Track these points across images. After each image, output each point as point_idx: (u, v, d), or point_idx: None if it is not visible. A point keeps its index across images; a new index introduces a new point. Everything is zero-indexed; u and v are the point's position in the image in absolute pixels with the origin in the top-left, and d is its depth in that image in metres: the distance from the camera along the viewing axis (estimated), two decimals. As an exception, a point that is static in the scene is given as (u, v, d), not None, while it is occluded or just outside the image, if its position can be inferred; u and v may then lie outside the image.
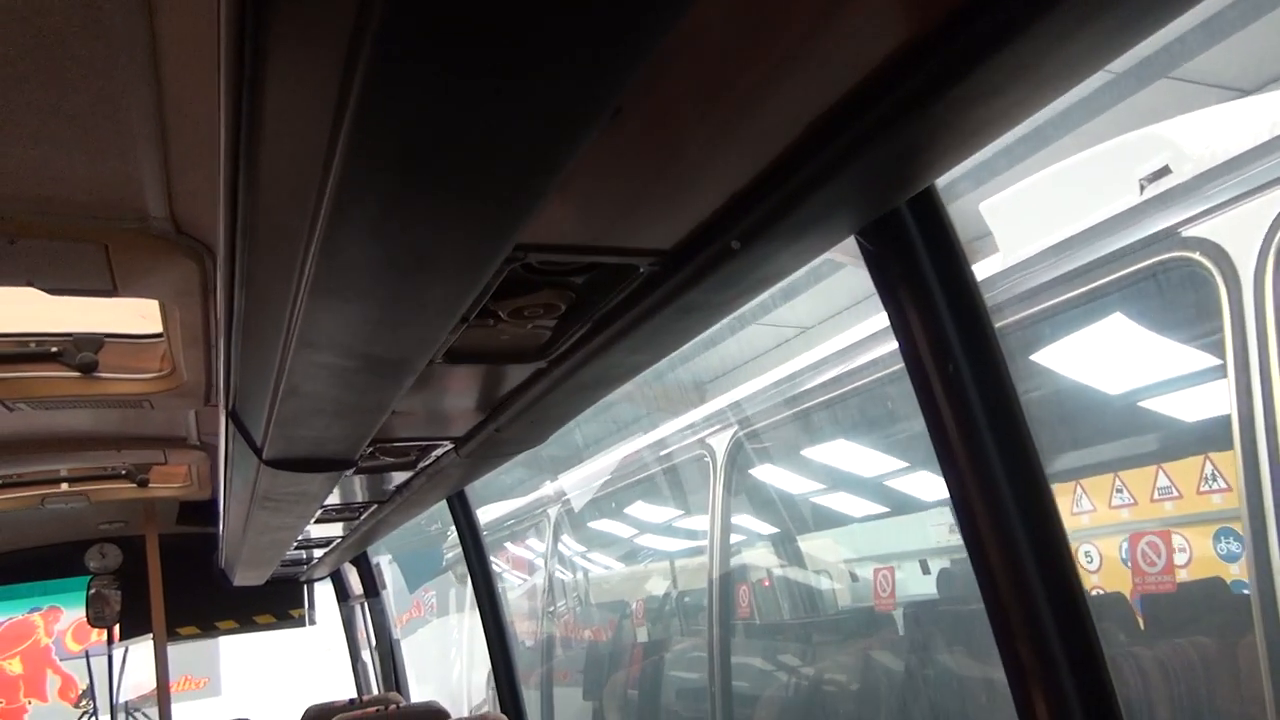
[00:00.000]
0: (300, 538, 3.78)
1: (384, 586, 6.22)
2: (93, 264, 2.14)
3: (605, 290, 1.46)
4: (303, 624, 6.60)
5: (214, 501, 5.50)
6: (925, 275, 1.29)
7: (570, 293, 1.42)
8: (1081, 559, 4.12)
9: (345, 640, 6.88)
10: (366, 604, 6.26)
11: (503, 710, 3.77)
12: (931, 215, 1.31)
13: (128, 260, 2.16)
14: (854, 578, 4.58)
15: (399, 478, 2.74)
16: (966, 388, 1.28)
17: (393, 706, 3.90)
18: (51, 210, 1.93)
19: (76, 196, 1.92)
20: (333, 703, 5.19)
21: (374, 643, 6.44)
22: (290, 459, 1.78)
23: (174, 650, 6.88)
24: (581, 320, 1.48)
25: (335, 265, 1.04)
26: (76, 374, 3.20)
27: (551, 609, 6.59)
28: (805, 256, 1.35)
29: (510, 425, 1.98)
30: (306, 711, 4.49)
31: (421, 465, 2.48)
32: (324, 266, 1.04)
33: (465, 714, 3.93)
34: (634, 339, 1.49)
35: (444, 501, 4.43)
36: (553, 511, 6.60)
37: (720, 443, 4.26)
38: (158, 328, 3.26)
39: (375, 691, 6.52)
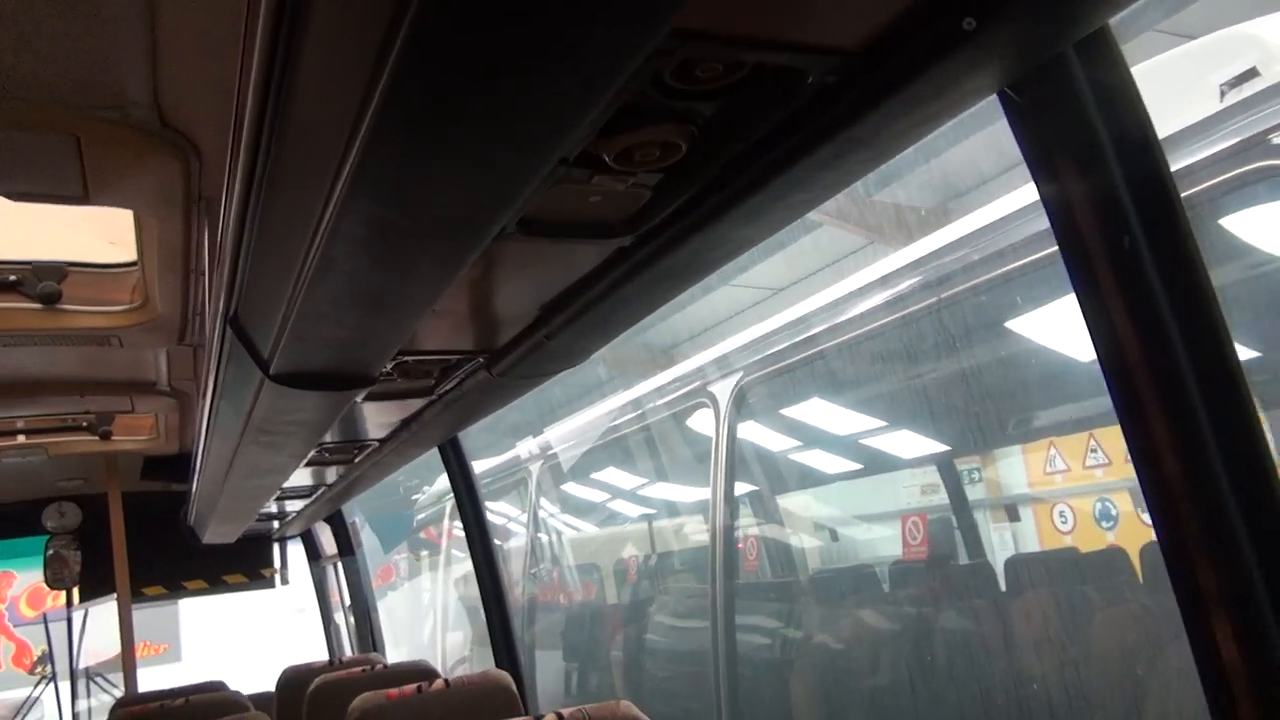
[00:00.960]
0: (282, 485, 3.53)
1: (359, 545, 5.99)
2: (62, 160, 1.89)
3: (749, 115, 1.17)
4: (274, 584, 6.35)
5: (181, 456, 5.23)
6: (1095, 133, 1.09)
7: (693, 128, 1.18)
8: None
9: (316, 601, 6.65)
10: (341, 563, 6.03)
11: (498, 667, 3.57)
12: (1105, 61, 1.10)
13: (101, 158, 1.90)
14: (876, 529, 4.41)
15: (405, 409, 2.49)
16: (1144, 266, 1.08)
17: (379, 666, 3.69)
18: (15, 90, 1.68)
19: (44, 75, 1.67)
20: (310, 664, 4.96)
21: (348, 603, 6.21)
22: (302, 373, 1.54)
23: (133, 614, 6.62)
24: (702, 169, 1.23)
25: (401, 94, 0.81)
26: (37, 306, 2.92)
27: (534, 571, 6.38)
28: (967, 103, 1.09)
29: (565, 330, 1.72)
30: (283, 673, 4.27)
31: (440, 390, 2.23)
32: (389, 96, 0.81)
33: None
34: (779, 188, 1.24)
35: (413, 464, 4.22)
36: (534, 468, 6.38)
37: (724, 390, 4.06)
38: (130, 255, 3.00)
39: (349, 654, 6.30)
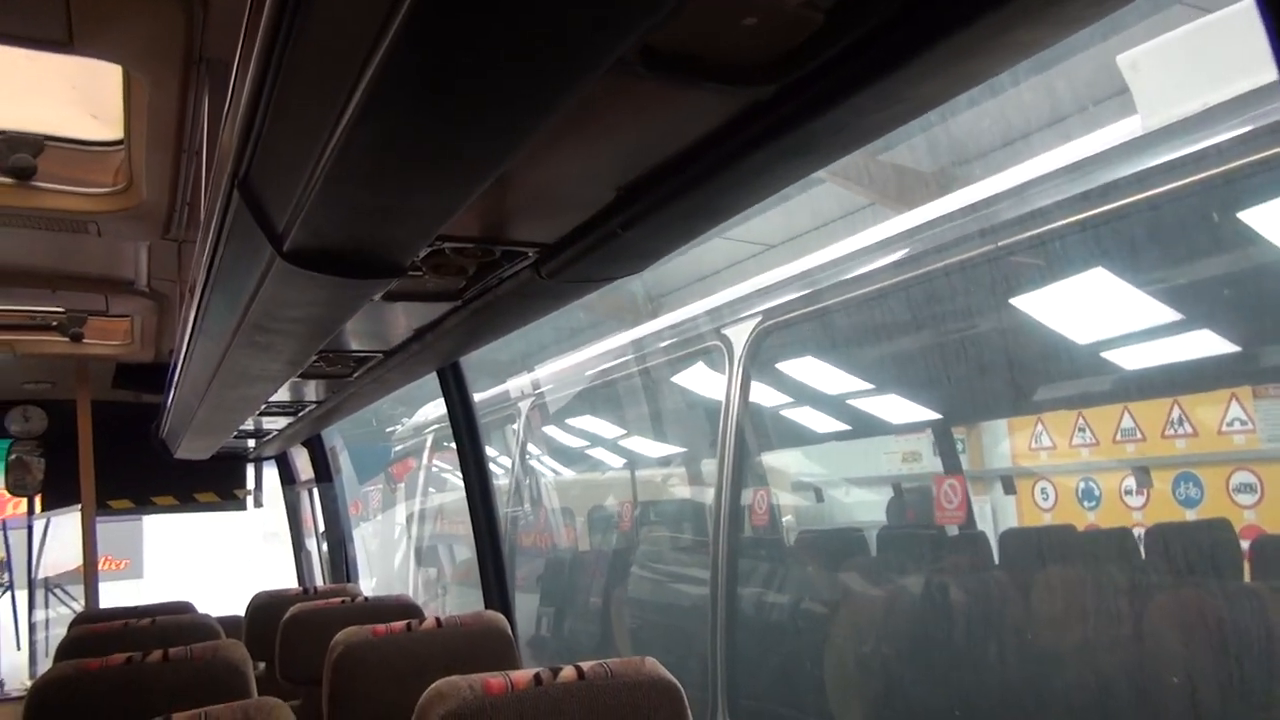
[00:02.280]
0: (269, 399, 3.27)
1: (338, 471, 5.75)
2: (45, -7, 1.61)
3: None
4: (245, 506, 6.12)
5: (156, 366, 4.95)
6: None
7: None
8: None
9: (288, 527, 6.42)
10: (317, 489, 5.79)
11: (488, 606, 3.37)
12: None
13: (92, -4, 1.63)
14: (904, 491, 4.21)
15: (424, 314, 2.21)
16: None
17: (359, 598, 3.47)
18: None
19: None
20: (283, 591, 4.74)
21: (321, 531, 5.99)
22: (320, 252, 1.28)
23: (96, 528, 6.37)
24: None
25: None
26: (8, 180, 2.64)
27: (515, 513, 6.15)
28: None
29: (647, 219, 1.41)
30: (254, 598, 4.05)
31: (471, 293, 1.95)
32: None
33: None
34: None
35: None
36: (524, 406, 6.14)
37: (739, 335, 3.83)
38: (115, 133, 2.71)
39: (320, 584, 6.09)
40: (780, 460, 4.26)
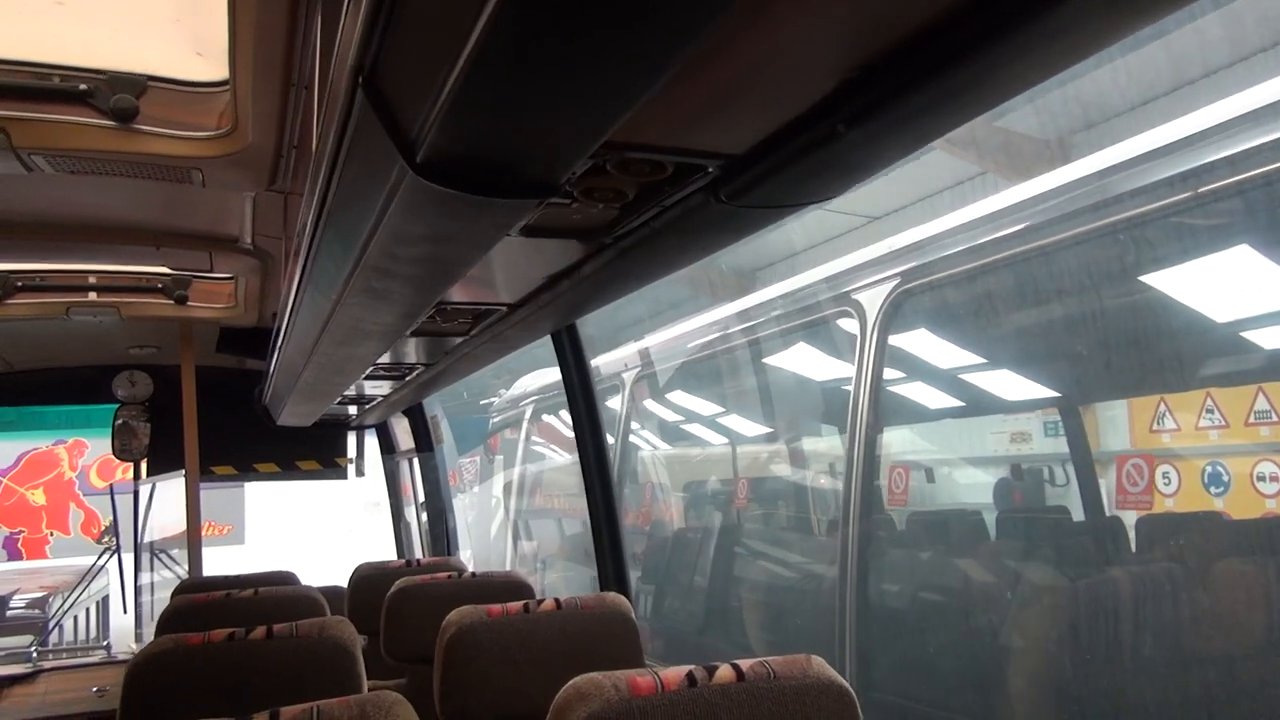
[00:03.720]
0: (376, 360, 3.09)
1: (440, 440, 5.61)
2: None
3: None
4: (346, 474, 6.03)
5: (259, 330, 4.86)
6: None
7: None
8: None
9: (388, 499, 6.32)
10: (418, 459, 5.67)
11: (604, 589, 3.16)
12: None
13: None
14: (1070, 474, 3.84)
15: (564, 255, 1.93)
16: None
17: (467, 573, 3.29)
18: None
19: None
20: (385, 563, 4.62)
21: (421, 502, 5.87)
22: (459, 163, 1.04)
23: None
24: None
25: None
26: (110, 123, 2.49)
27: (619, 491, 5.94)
28: None
29: (882, 114, 1.06)
30: (357, 570, 3.91)
31: (628, 225, 1.65)
32: None
33: None
34: None
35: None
36: (628, 379, 5.91)
37: (873, 300, 3.53)
38: (221, 73, 2.55)
39: (419, 556, 5.99)
40: (921, 435, 3.94)
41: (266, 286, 4.07)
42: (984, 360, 3.48)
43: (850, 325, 3.68)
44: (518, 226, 1.48)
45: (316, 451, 5.89)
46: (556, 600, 2.46)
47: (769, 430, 5.12)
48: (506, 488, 8.43)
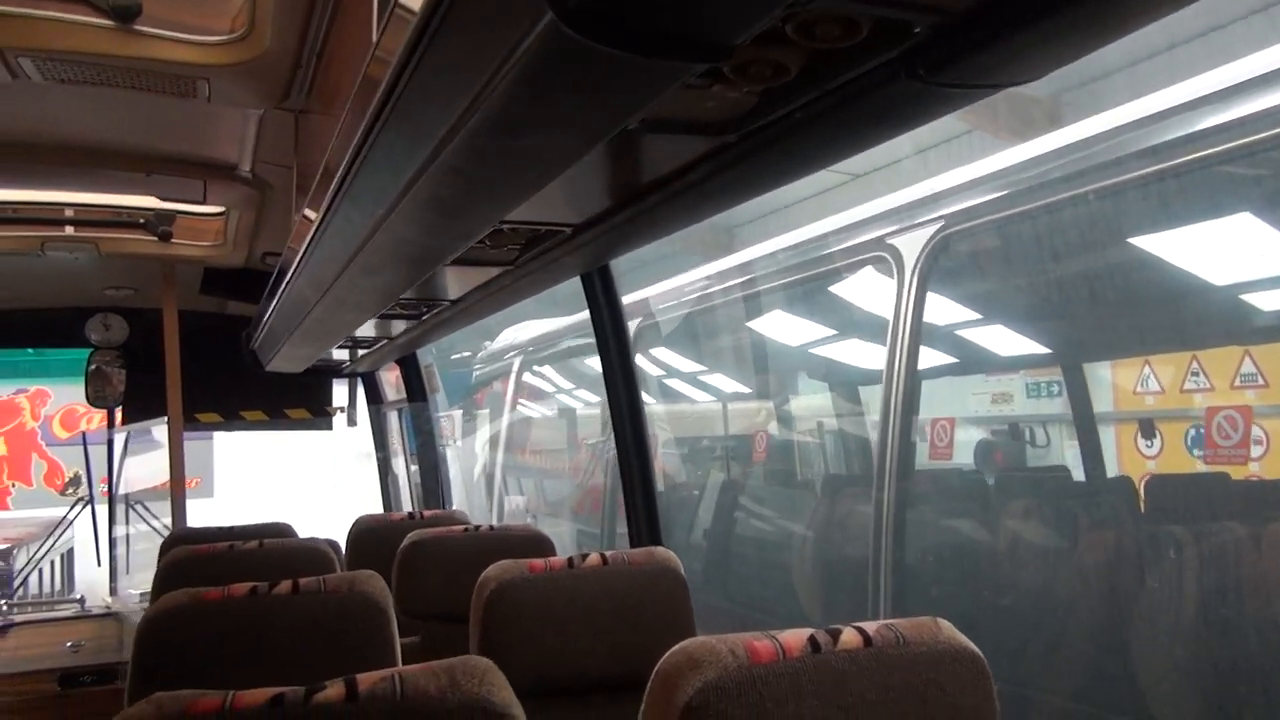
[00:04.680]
0: (403, 295, 2.84)
1: (435, 390, 5.38)
2: None
3: None
4: (332, 425, 5.80)
5: (247, 272, 4.61)
6: None
7: None
8: None
9: (375, 450, 6.09)
10: (410, 410, 5.44)
11: (637, 544, 2.98)
12: None
13: None
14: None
15: (686, 150, 1.65)
16: None
17: (484, 527, 3.10)
18: None
19: None
20: (386, 515, 4.43)
21: (411, 454, 5.65)
22: (620, 9, 0.84)
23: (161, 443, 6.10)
24: None
25: None
26: (109, 22, 2.23)
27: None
28: None
29: None
30: (357, 523, 3.71)
31: (799, 100, 1.37)
32: None
33: None
34: None
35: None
36: (630, 327, 5.68)
37: (912, 245, 3.34)
38: (233, -34, 2.29)
39: (410, 509, 5.78)
40: (966, 387, 3.77)
41: (261, 220, 3.81)
42: (1042, 308, 3.30)
43: (885, 272, 3.49)
44: (638, 117, 1.27)
45: (305, 399, 5.65)
46: (602, 555, 2.28)
47: (786, 383, 4.93)
48: (492, 441, 8.23)
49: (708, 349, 5.59)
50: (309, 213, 2.34)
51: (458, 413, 8.85)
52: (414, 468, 5.71)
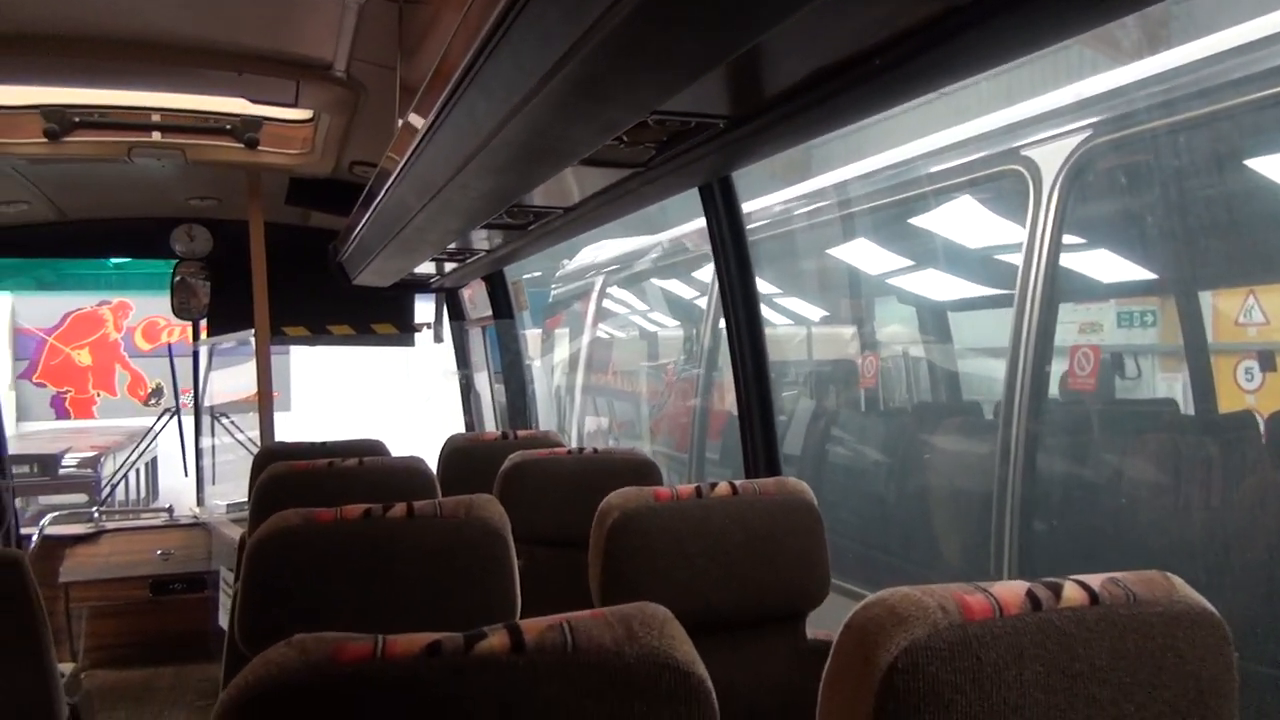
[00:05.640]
0: (515, 203, 2.67)
1: (523, 307, 5.23)
2: None
3: None
4: (414, 341, 5.70)
5: (333, 181, 4.47)
6: None
7: None
8: None
9: (457, 368, 5.99)
10: (496, 328, 5.30)
11: (753, 475, 2.82)
12: None
13: None
14: None
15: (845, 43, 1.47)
16: None
17: (587, 450, 2.96)
18: None
19: None
20: (477, 434, 4.33)
21: (496, 373, 5.53)
22: None
23: (245, 357, 6.08)
24: None
25: None
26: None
27: (713, 374, 5.49)
28: None
29: None
30: (450, 441, 3.61)
31: None
32: None
33: None
34: None
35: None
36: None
37: (1052, 158, 3.07)
38: None
39: (493, 429, 5.69)
40: (1110, 313, 3.49)
41: (352, 126, 3.65)
42: (1204, 226, 2.99)
43: (1017, 189, 3.22)
44: None
45: (391, 315, 5.55)
46: (731, 484, 2.12)
47: (898, 307, 4.66)
48: (572, 362, 8.10)
49: (797, 273, 5.32)
50: (414, 118, 2.17)
51: (536, 332, 8.72)
52: (498, 387, 5.60)
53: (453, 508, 1.95)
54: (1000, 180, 3.41)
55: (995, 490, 3.03)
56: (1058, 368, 3.11)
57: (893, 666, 1.09)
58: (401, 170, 2.47)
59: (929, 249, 4.20)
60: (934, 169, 3.82)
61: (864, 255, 4.80)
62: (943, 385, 4.29)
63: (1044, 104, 3.28)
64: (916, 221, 4.19)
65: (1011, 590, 1.16)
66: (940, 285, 4.33)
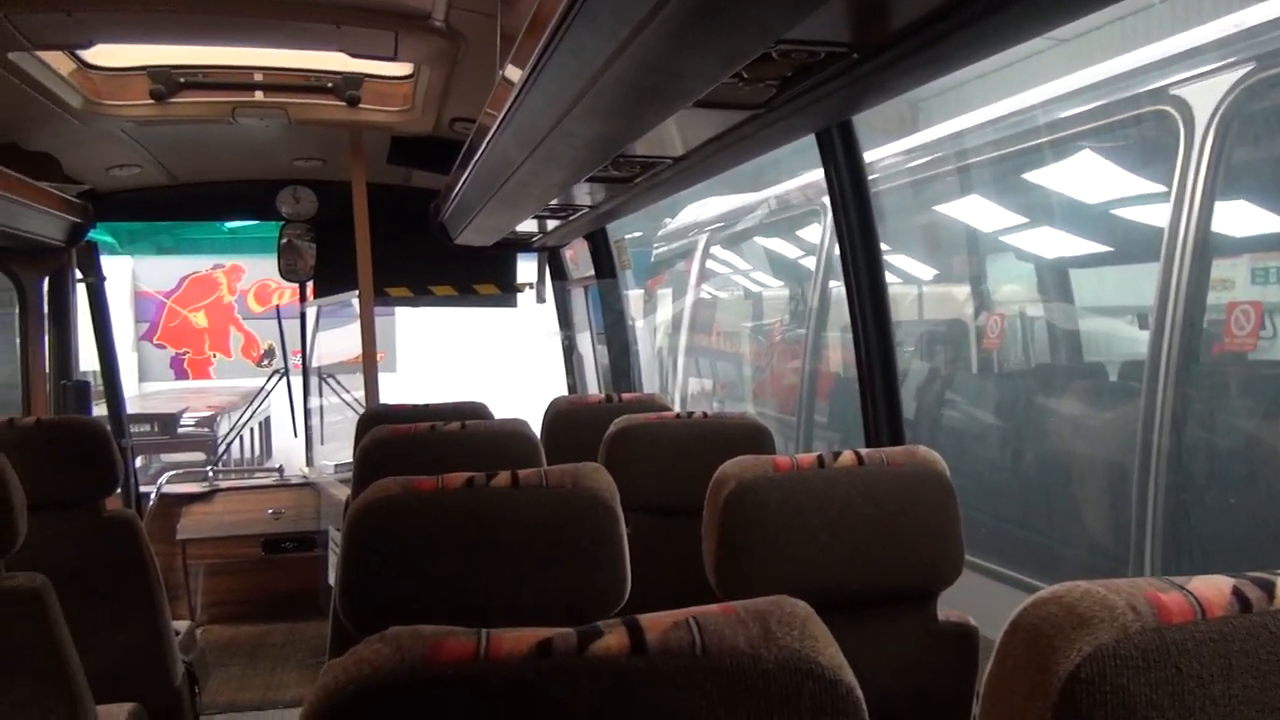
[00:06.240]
0: (621, 154, 2.54)
1: (627, 266, 5.10)
2: None
3: None
4: (516, 302, 5.64)
5: (433, 139, 4.40)
6: None
7: None
8: None
9: (559, 329, 5.91)
10: (599, 287, 5.19)
11: (874, 443, 2.65)
12: None
13: None
14: None
15: None
16: None
17: (696, 414, 2.82)
18: None
19: None
20: (581, 397, 4.25)
21: (598, 333, 5.43)
22: None
23: (351, 319, 6.10)
24: None
25: None
26: None
27: (814, 334, 5.26)
28: None
29: None
30: (554, 404, 3.52)
31: None
32: None
33: None
34: None
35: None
36: (829, 203, 5.19)
37: (1206, 96, 2.78)
38: None
39: (595, 392, 5.61)
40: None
41: (453, 80, 3.55)
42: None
43: (1162, 131, 2.94)
44: None
45: (493, 275, 5.49)
46: (857, 453, 1.96)
47: (1021, 262, 4.36)
48: (675, 323, 7.95)
49: (906, 230, 5.04)
50: (514, 68, 2.04)
51: (637, 293, 8.60)
52: (600, 348, 5.50)
53: (559, 477, 1.84)
54: (1143, 123, 3.12)
55: (1137, 461, 2.80)
56: (1210, 328, 2.83)
57: (1074, 676, 0.93)
58: (503, 121, 2.35)
59: (1052, 202, 3.91)
60: (1064, 114, 3.54)
61: (980, 210, 4.52)
62: (1067, 347, 4.00)
63: (1195, 38, 2.98)
64: (1039, 173, 3.91)
65: (1214, 587, 0.98)
66: (1066, 241, 4.02)
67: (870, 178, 4.14)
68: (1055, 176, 3.79)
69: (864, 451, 1.96)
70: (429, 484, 1.81)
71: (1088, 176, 3.57)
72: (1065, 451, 3.63)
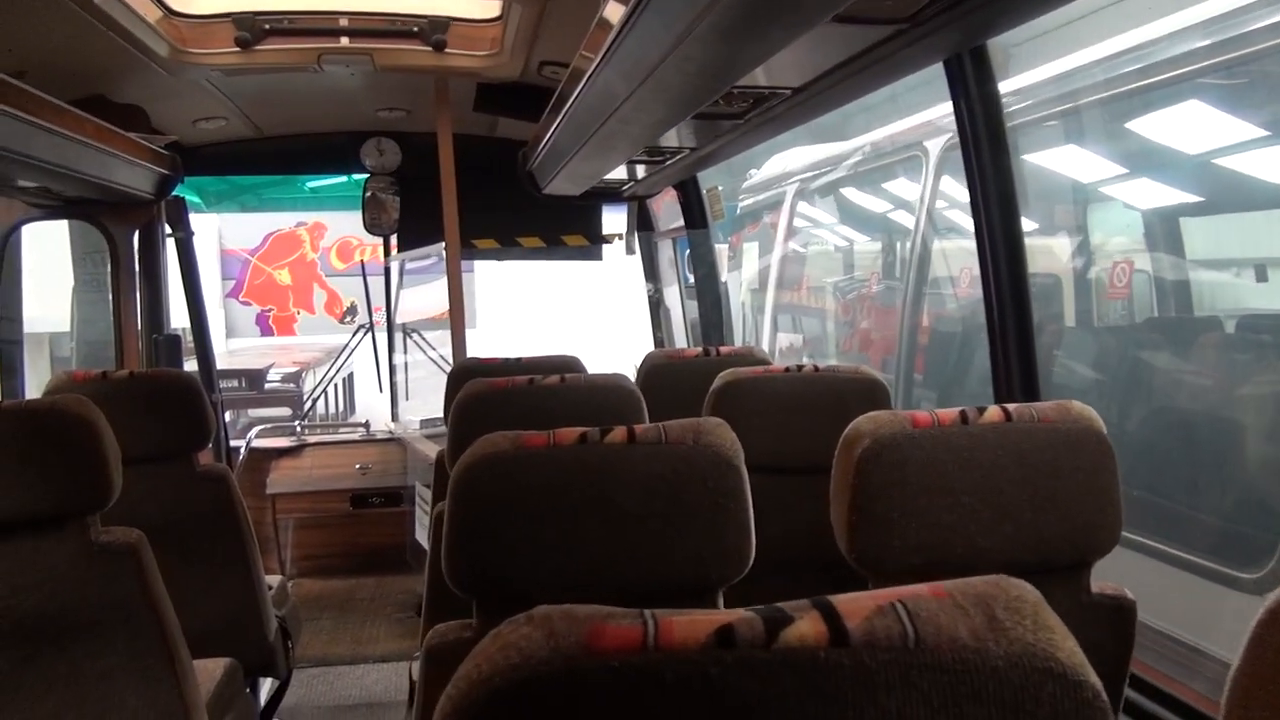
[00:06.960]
0: (734, 85, 2.37)
1: (720, 216, 4.91)
2: None
3: None
4: (601, 255, 5.50)
5: (521, 85, 4.26)
6: None
7: None
8: None
9: (645, 282, 5.76)
10: (690, 238, 5.02)
11: (1006, 399, 2.46)
12: None
13: None
14: None
15: None
16: None
17: (805, 366, 2.65)
18: None
19: None
20: (677, 351, 4.11)
21: (689, 286, 5.27)
22: None
23: (434, 275, 6.03)
24: None
25: None
26: None
27: (920, 287, 5.01)
28: None
29: None
30: (648, 357, 3.39)
31: None
32: None
33: None
34: None
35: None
36: (931, 147, 4.96)
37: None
38: None
39: (683, 345, 5.46)
40: None
41: (543, 21, 3.40)
42: None
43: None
44: None
45: (579, 225, 5.36)
46: (1004, 409, 1.77)
47: (1141, 211, 4.05)
48: (762, 276, 7.73)
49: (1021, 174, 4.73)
50: (614, 5, 1.88)
51: (722, 247, 8.40)
52: (689, 302, 5.34)
53: (678, 432, 1.70)
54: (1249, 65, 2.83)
55: None
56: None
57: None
58: (606, 55, 2.19)
59: (1170, 149, 3.61)
60: (1186, 49, 3.25)
61: (1087, 158, 4.22)
62: (1197, 302, 3.70)
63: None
64: (1152, 117, 3.62)
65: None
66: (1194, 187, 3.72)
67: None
68: (1171, 120, 3.50)
69: (1012, 407, 1.77)
70: (539, 439, 1.69)
71: (1207, 118, 3.28)
72: (1205, 411, 3.37)
